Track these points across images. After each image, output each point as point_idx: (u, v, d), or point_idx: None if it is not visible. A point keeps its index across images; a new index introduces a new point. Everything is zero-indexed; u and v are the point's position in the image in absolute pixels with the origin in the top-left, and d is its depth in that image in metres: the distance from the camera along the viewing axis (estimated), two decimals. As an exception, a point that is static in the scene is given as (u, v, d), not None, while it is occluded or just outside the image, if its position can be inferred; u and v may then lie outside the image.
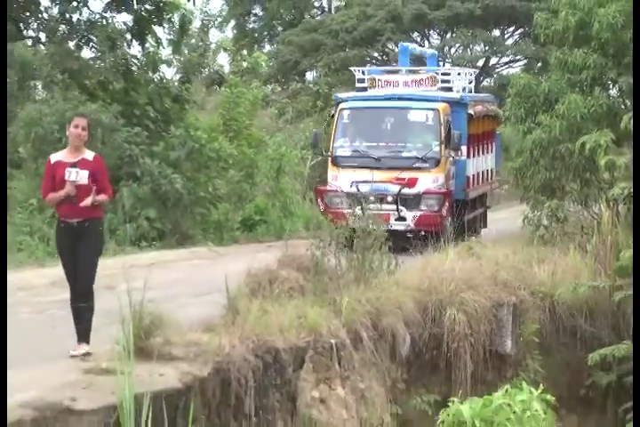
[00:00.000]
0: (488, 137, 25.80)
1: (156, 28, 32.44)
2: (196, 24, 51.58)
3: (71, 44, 29.44)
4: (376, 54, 43.74)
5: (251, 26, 55.25)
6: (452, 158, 21.76)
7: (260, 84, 39.74)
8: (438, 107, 21.79)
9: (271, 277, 13.79)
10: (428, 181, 21.19)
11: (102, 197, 10.74)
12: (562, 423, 8.82)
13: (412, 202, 21.02)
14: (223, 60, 58.27)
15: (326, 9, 51.68)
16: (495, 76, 42.75)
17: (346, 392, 13.16)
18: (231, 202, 27.88)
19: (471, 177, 23.58)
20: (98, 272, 11.87)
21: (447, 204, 21.11)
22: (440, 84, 23.70)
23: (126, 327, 10.19)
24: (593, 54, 20.20)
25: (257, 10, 54.98)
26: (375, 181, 20.41)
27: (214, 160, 26.59)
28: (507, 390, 8.20)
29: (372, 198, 20.04)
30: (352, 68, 27.58)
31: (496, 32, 41.76)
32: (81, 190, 10.53)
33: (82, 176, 10.53)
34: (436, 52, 30.46)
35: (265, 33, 54.74)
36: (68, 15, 30.23)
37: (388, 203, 20.96)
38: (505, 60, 42.68)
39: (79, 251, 10.70)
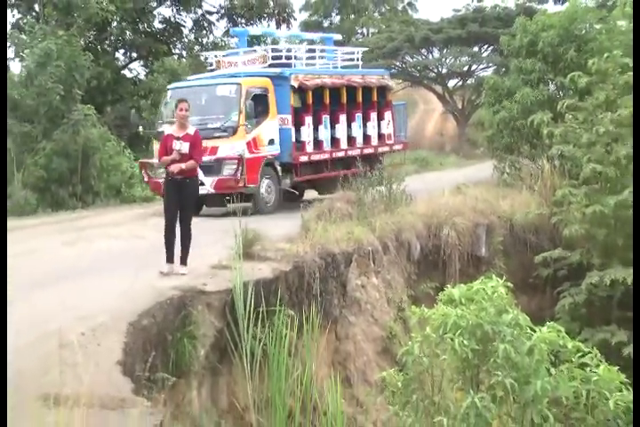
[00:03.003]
0: (368, 107, 19.86)
1: (256, 47, 32.40)
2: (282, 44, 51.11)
3: (202, 58, 29.46)
4: (398, 63, 43.18)
5: (317, 45, 54.97)
6: (248, 126, 16.38)
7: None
8: (240, 81, 16.75)
9: (330, 207, 13.75)
10: (227, 148, 16.04)
11: (190, 163, 9.85)
12: (517, 301, 8.71)
13: (211, 168, 15.66)
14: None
15: (365, 34, 51.01)
16: (475, 77, 42.04)
17: (378, 281, 13.15)
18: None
19: (306, 143, 17.91)
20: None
21: (242, 168, 15.99)
22: (270, 61, 18.25)
23: (237, 239, 10.18)
24: (538, 63, 19.90)
25: (321, 34, 54.70)
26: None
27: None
28: (482, 280, 8.10)
29: None
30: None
31: (476, 48, 41.07)
32: (183, 157, 9.86)
33: (184, 147, 9.86)
34: (332, 36, 23.25)
35: (326, 50, 54.63)
36: (200, 39, 30.49)
37: None
38: (482, 66, 42.01)
39: (182, 199, 9.97)
